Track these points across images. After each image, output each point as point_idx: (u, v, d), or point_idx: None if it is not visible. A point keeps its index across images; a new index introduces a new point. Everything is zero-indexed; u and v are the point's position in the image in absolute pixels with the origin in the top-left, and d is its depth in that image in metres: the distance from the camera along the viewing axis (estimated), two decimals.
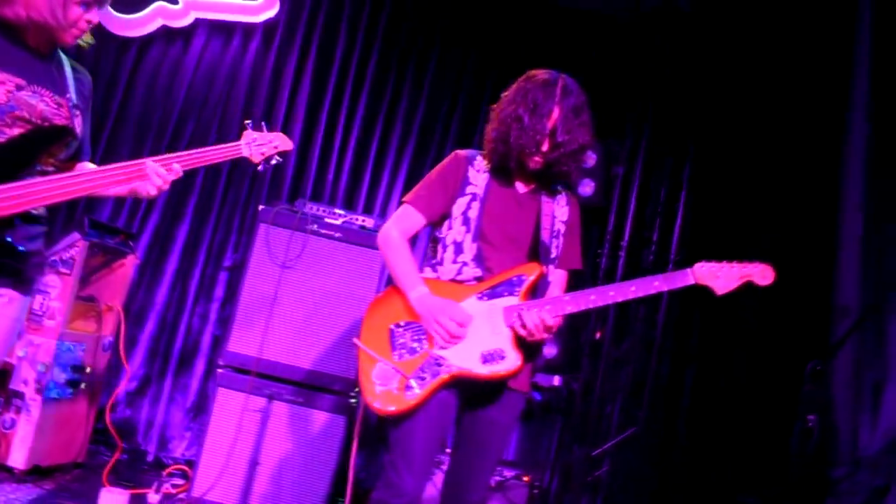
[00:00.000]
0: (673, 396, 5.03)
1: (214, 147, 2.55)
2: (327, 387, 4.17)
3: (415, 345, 2.66)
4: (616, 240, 5.18)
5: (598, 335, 5.08)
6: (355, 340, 2.69)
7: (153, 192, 2.37)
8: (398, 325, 2.70)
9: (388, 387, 2.60)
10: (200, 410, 5.18)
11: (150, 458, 5.03)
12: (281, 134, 2.78)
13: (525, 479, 4.54)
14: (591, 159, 5.18)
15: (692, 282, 2.65)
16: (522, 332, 2.62)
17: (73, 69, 2.46)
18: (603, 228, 5.27)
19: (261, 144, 2.70)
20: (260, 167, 2.72)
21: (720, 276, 2.64)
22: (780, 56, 4.68)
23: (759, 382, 4.20)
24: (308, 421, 4.16)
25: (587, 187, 5.26)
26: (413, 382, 2.59)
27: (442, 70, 5.66)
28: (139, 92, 5.45)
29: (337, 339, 4.22)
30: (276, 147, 2.74)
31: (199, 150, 2.49)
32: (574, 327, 5.11)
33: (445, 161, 2.91)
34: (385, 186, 5.51)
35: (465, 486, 2.74)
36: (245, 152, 2.65)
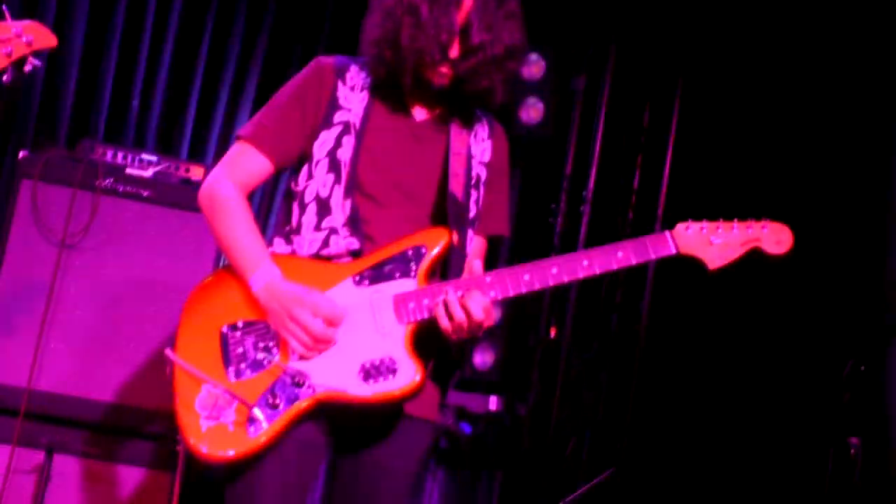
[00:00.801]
0: (665, 419, 5.19)
1: None
2: (141, 428, 4.17)
3: (260, 356, 2.67)
4: (576, 189, 5.28)
5: (552, 333, 5.18)
6: (167, 352, 2.68)
7: None
8: (234, 328, 2.71)
9: (220, 420, 2.61)
10: None
11: None
12: (34, 23, 2.72)
13: None
14: (535, 68, 5.26)
15: (673, 251, 2.74)
16: (446, 326, 2.65)
17: None
18: (557, 173, 5.36)
19: (2, 41, 2.65)
20: (5, 77, 2.67)
21: (714, 243, 2.73)
22: None
23: (784, 392, 4.36)
24: (113, 483, 4.15)
25: (531, 110, 5.33)
26: (259, 413, 2.60)
27: None
28: None
29: (154, 351, 4.21)
30: (28, 44, 2.69)
31: None
32: (516, 323, 5.20)
33: (302, 73, 2.92)
34: (224, 115, 5.52)
35: None
36: None
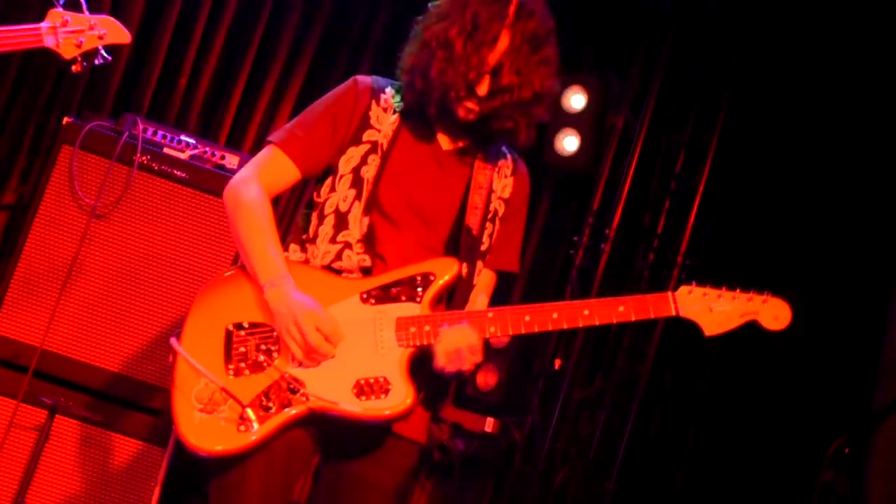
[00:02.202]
0: (660, 463, 5.21)
1: (4, 29, 2.57)
2: (142, 402, 4.24)
3: (261, 357, 2.73)
4: (600, 224, 5.29)
5: (557, 364, 5.20)
6: (172, 341, 2.75)
7: None
8: (240, 327, 2.77)
9: (213, 414, 2.67)
10: None
11: None
12: (109, 18, 2.78)
13: None
14: (577, 101, 5.29)
15: (672, 313, 2.77)
16: (440, 360, 2.71)
17: None
18: (584, 206, 5.38)
19: (75, 32, 2.69)
20: (75, 67, 2.72)
21: (713, 310, 2.76)
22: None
23: (770, 462, 4.38)
24: (108, 451, 4.21)
25: (568, 143, 5.36)
26: (251, 413, 2.65)
27: None
28: None
29: (165, 329, 4.27)
30: (100, 37, 2.73)
31: None
32: (523, 348, 5.22)
33: (339, 89, 2.96)
34: (265, 109, 5.52)
35: None
36: (49, 42, 2.65)
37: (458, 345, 2.69)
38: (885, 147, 4.91)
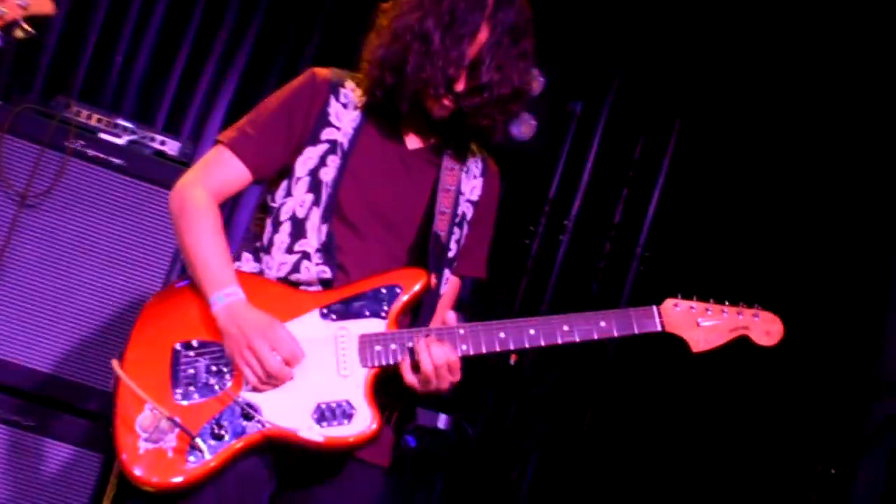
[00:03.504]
0: (616, 460, 5.12)
1: None
2: (77, 404, 4.04)
3: (212, 381, 2.55)
4: (557, 215, 5.17)
5: (513, 359, 5.10)
6: (114, 364, 2.55)
7: None
8: (188, 346, 2.58)
9: (158, 444, 2.48)
10: None
11: None
12: None
13: None
14: (535, 84, 5.15)
15: (658, 328, 2.65)
16: (411, 380, 2.57)
17: None
18: (541, 195, 5.25)
19: None
20: None
21: (701, 325, 2.64)
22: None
23: (751, 480, 4.30)
24: (41, 457, 4.01)
25: (524, 125, 5.24)
26: (201, 443, 2.47)
27: None
28: None
29: (100, 327, 4.09)
30: (22, 7, 2.57)
31: None
32: None
33: (294, 83, 2.80)
34: (205, 91, 5.39)
35: None
36: None
37: (435, 363, 2.54)
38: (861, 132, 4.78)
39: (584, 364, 5.09)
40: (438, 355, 2.55)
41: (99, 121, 4.21)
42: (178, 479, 2.47)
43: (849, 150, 4.93)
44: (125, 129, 4.23)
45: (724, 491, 4.66)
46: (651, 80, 5.31)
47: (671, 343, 2.72)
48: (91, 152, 4.10)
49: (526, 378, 5.11)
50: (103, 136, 4.16)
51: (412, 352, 2.57)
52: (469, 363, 5.05)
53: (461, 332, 2.62)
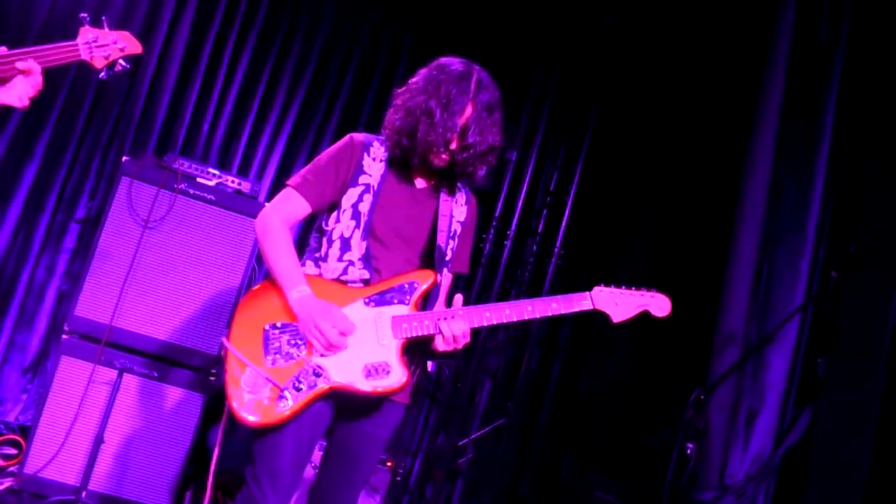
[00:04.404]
0: (540, 391, 5.03)
1: (47, 45, 2.26)
2: (185, 362, 3.89)
3: (292, 350, 2.44)
4: (503, 227, 5.06)
5: None
6: (224, 340, 2.44)
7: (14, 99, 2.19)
8: (274, 327, 2.46)
9: (258, 395, 2.37)
10: (40, 371, 4.71)
11: None
12: (126, 33, 2.46)
13: (388, 464, 4.42)
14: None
15: (590, 307, 2.57)
16: (442, 346, 2.49)
17: None
18: (490, 213, 5.15)
19: (103, 46, 2.38)
20: (102, 74, 2.40)
21: (618, 304, 2.57)
22: (690, 59, 4.67)
23: (647, 404, 4.22)
24: (161, 397, 3.86)
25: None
26: (287, 393, 2.37)
27: (337, 25, 5.33)
28: None
29: (199, 309, 3.93)
30: (121, 50, 2.41)
31: (29, 48, 2.22)
32: None
33: (339, 144, 2.68)
34: (264, 146, 5.17)
35: (332, 502, 2.56)
36: (84, 54, 2.32)
37: (454, 334, 2.47)
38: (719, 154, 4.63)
39: (522, 326, 4.99)
40: (457, 328, 2.48)
41: (196, 169, 4.05)
42: (271, 419, 2.37)
43: (696, 145, 4.77)
44: (214, 175, 4.08)
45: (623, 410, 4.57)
46: (563, 136, 5.20)
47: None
48: (192, 191, 3.96)
49: (483, 336, 4.99)
50: (199, 179, 4.01)
51: (440, 329, 2.49)
52: None
53: (460, 312, 2.52)
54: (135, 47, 2.44)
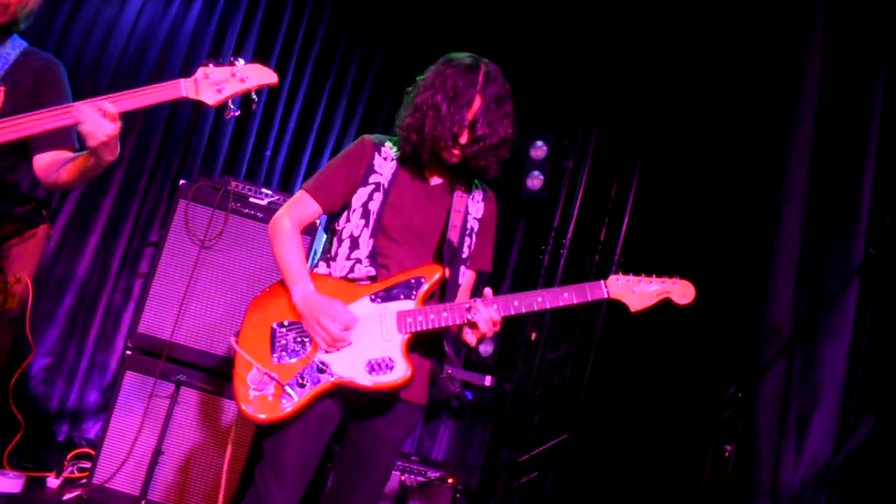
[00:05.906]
0: (606, 405, 4.83)
1: (149, 87, 2.23)
2: None
3: (297, 347, 2.41)
4: (559, 237, 4.92)
5: (533, 336, 4.84)
6: (231, 340, 2.43)
7: (101, 135, 2.19)
8: (281, 325, 2.45)
9: (262, 392, 2.35)
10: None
11: (61, 437, 4.75)
12: (256, 64, 2.30)
13: (449, 480, 4.31)
14: (540, 151, 4.93)
15: (605, 296, 2.44)
16: (469, 339, 2.42)
17: (25, 52, 2.39)
18: (548, 225, 5.01)
19: (216, 81, 2.24)
20: (227, 113, 2.28)
21: (636, 292, 2.43)
22: (730, 71, 4.47)
23: (685, 405, 3.98)
24: (218, 410, 3.90)
25: (536, 180, 5.02)
26: (290, 390, 2.34)
27: (392, 48, 5.37)
28: (69, 55, 5.06)
29: None
30: (242, 81, 2.25)
31: (130, 90, 2.22)
32: (508, 326, 4.88)
33: (351, 146, 2.65)
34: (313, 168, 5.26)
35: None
36: (186, 92, 2.23)
37: (484, 318, 2.38)
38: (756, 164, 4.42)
39: (584, 338, 4.80)
40: (487, 314, 2.38)
41: (248, 189, 4.12)
42: (275, 416, 2.34)
43: (737, 149, 4.55)
44: (266, 195, 4.13)
45: (667, 413, 4.31)
46: (619, 140, 5.03)
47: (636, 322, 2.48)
48: (245, 210, 4.02)
49: (542, 349, 4.83)
50: (252, 199, 4.08)
51: (476, 316, 2.39)
52: (504, 341, 4.87)
53: (494, 305, 2.42)
54: (267, 77, 2.29)
